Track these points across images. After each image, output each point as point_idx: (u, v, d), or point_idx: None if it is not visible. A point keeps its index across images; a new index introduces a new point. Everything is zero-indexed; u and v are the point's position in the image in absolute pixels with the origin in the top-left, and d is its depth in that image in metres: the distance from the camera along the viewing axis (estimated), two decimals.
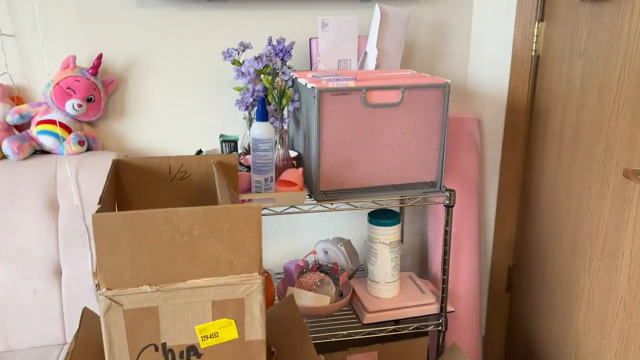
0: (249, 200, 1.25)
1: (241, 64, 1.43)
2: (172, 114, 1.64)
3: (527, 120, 1.69)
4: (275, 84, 1.40)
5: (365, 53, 1.54)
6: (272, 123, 1.40)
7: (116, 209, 1.10)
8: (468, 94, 1.79)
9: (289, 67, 1.52)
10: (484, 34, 1.71)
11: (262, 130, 1.22)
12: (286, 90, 1.37)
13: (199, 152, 1.37)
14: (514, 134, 1.71)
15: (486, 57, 1.72)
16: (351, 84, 1.25)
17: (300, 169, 1.30)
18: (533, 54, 1.63)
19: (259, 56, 1.39)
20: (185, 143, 1.67)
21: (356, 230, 1.83)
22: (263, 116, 1.23)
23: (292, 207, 1.29)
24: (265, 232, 1.78)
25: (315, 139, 1.26)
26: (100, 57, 1.50)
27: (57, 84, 1.47)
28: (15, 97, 1.54)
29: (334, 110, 1.25)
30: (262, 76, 1.40)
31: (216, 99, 1.64)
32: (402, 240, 1.77)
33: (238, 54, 1.44)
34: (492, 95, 1.74)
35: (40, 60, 1.52)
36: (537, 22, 1.60)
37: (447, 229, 1.40)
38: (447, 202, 1.37)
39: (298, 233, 1.79)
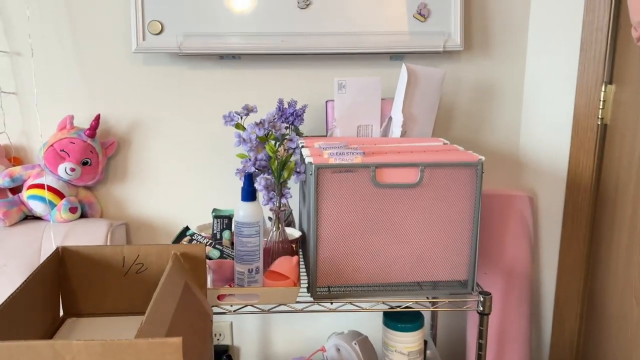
0: (231, 295, 1.04)
1: (245, 129, 1.26)
2: (177, 179, 1.48)
3: (592, 200, 1.38)
4: (278, 153, 1.21)
5: (390, 118, 1.32)
6: (271, 198, 1.20)
7: (60, 308, 0.92)
8: (520, 166, 1.51)
9: (299, 134, 1.33)
10: (539, 97, 1.44)
11: (246, 211, 1.02)
12: (288, 162, 1.17)
13: (186, 229, 1.18)
14: (576, 216, 1.41)
15: (542, 123, 1.45)
16: (357, 159, 1.03)
17: (296, 258, 1.07)
18: (599, 123, 1.34)
19: (261, 122, 1.21)
20: (190, 210, 1.50)
21: (379, 322, 1.56)
22: (249, 195, 1.03)
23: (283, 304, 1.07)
24: (273, 317, 1.55)
25: (313, 224, 1.04)
26: (97, 118, 1.38)
27: (51, 145, 1.36)
28: (12, 158, 1.44)
29: (336, 191, 1.03)
30: (265, 143, 1.21)
31: (224, 165, 1.47)
32: (434, 342, 1.48)
33: (241, 118, 1.26)
34: (549, 169, 1.45)
35: (41, 119, 1.43)
36: (604, 85, 1.31)
37: (482, 341, 1.11)
38: (481, 308, 1.08)
39: (311, 320, 1.55)
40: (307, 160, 1.04)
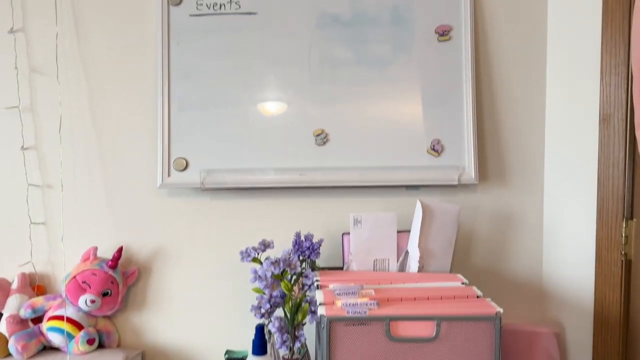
0: None
1: (262, 263, 1.27)
2: (196, 308, 1.48)
3: (622, 338, 1.31)
4: (293, 292, 1.21)
5: (407, 252, 1.32)
6: (284, 341, 1.18)
7: None
8: (545, 297, 1.47)
9: (315, 268, 1.33)
10: (560, 228, 1.43)
11: None
12: (302, 304, 1.17)
13: None
14: (606, 354, 1.33)
15: (564, 255, 1.42)
16: (373, 310, 1.01)
17: None
18: (623, 259, 1.30)
19: (276, 261, 1.22)
20: (207, 340, 1.48)
21: None
22: (259, 349, 1.03)
23: None
24: None
25: None
26: (120, 250, 1.42)
27: (74, 277, 1.39)
28: (36, 287, 1.48)
29: (350, 344, 1.01)
30: (281, 281, 1.22)
31: (242, 296, 1.47)
32: None
33: (258, 254, 1.28)
34: (575, 302, 1.40)
35: (67, 249, 1.47)
36: (625, 221, 1.29)
37: None
38: None
39: None
40: (319, 311, 1.04)
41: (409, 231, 1.33)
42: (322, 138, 1.42)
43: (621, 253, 1.30)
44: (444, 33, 1.41)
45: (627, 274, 1.31)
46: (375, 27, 1.41)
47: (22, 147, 1.46)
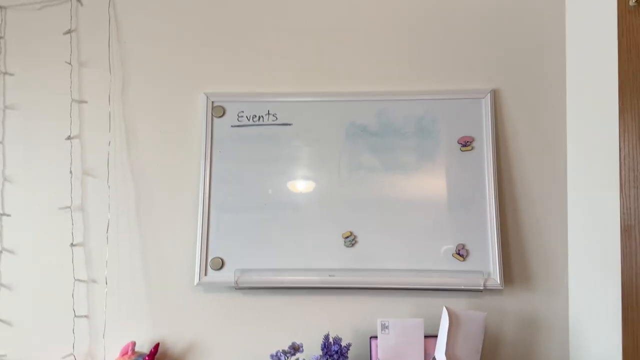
0: None
1: None
2: None
3: None
4: None
5: (434, 358, 1.34)
6: None
7: None
8: None
9: None
10: (585, 333, 1.43)
11: None
12: None
13: None
14: None
15: (593, 357, 1.42)
16: None
17: None
18: None
19: None
20: None
21: None
22: None
23: None
24: None
25: None
26: (157, 346, 1.48)
27: None
28: None
29: None
30: None
31: None
32: None
33: (287, 357, 1.33)
34: None
35: (108, 342, 1.54)
36: None
37: None
38: None
39: None
40: None
41: (436, 336, 1.37)
42: (350, 240, 1.49)
43: None
44: (466, 144, 1.49)
45: None
46: (401, 137, 1.50)
47: (72, 244, 1.57)
